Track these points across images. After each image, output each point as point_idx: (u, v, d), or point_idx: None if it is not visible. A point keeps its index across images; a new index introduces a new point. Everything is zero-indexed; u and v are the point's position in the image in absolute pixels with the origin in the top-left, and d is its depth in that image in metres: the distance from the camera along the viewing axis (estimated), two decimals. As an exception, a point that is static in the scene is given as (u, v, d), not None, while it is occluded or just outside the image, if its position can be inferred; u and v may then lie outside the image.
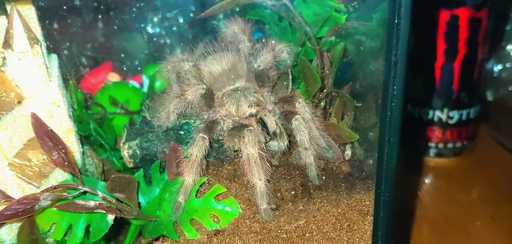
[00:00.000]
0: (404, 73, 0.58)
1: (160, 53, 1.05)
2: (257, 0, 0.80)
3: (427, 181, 1.18)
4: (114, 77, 1.10)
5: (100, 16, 1.03)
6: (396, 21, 0.56)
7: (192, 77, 0.77)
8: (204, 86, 0.76)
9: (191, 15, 1.04)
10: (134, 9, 1.03)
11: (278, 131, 0.75)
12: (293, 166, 0.81)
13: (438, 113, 1.24)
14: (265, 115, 0.76)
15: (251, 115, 0.77)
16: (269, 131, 0.75)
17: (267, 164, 0.71)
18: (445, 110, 1.23)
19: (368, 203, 0.72)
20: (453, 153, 1.27)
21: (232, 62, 0.83)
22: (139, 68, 1.12)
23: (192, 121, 0.80)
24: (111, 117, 0.98)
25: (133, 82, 1.10)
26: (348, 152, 0.83)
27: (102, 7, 1.01)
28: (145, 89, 1.08)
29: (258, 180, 0.69)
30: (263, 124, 0.76)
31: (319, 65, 0.80)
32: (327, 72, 0.80)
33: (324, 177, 0.79)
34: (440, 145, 1.26)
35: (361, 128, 0.81)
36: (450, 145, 1.26)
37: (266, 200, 0.70)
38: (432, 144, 1.27)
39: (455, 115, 1.24)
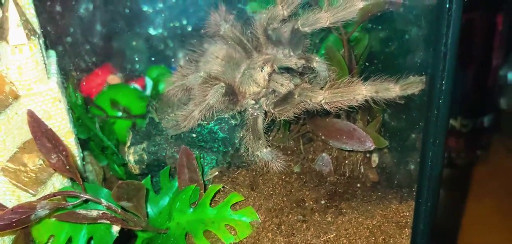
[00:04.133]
0: (454, 66, 0.52)
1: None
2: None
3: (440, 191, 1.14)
4: (114, 79, 1.04)
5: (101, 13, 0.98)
6: (447, 5, 0.50)
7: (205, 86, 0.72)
8: (222, 84, 0.69)
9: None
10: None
11: (303, 62, 0.70)
12: (315, 173, 0.75)
13: (451, 121, 1.19)
14: (282, 62, 0.71)
15: (269, 75, 0.72)
16: (297, 71, 0.71)
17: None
18: (459, 118, 1.20)
19: (407, 214, 0.66)
20: (467, 162, 1.23)
21: (224, 52, 0.78)
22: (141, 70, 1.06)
23: (206, 122, 0.73)
24: (112, 121, 0.92)
25: (135, 85, 1.04)
26: (375, 159, 0.77)
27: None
28: (148, 91, 1.02)
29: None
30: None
31: (346, 56, 0.74)
32: (354, 65, 0.74)
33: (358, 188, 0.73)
34: (453, 154, 1.23)
35: (390, 132, 0.75)
36: (463, 154, 1.23)
37: None
38: (445, 153, 1.24)
39: (468, 123, 1.21)
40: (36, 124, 0.61)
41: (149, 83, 1.04)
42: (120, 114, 0.94)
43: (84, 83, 1.01)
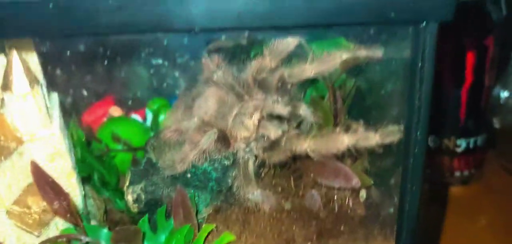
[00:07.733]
0: (428, 118, 0.56)
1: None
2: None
3: (434, 210, 1.16)
4: (116, 111, 1.07)
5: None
6: (419, 64, 0.54)
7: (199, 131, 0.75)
8: (215, 130, 0.73)
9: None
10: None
11: (290, 109, 0.72)
12: (305, 210, 0.77)
13: (445, 141, 1.22)
14: (270, 109, 0.73)
15: (258, 121, 0.74)
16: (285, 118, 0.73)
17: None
18: (452, 138, 1.22)
19: (389, 252, 0.69)
20: (461, 182, 1.26)
21: (217, 97, 0.79)
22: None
23: (200, 163, 0.76)
24: (113, 154, 0.94)
25: (136, 116, 1.07)
26: (363, 194, 0.80)
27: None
28: (148, 123, 1.05)
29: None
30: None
31: (331, 102, 0.78)
32: (340, 110, 0.78)
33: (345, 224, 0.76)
34: (447, 174, 1.25)
35: (376, 169, 0.78)
36: (457, 174, 1.25)
37: None
38: (439, 173, 1.25)
39: (462, 143, 1.23)
40: (39, 174, 0.65)
41: (149, 114, 1.07)
42: (120, 147, 0.96)
43: (86, 116, 1.05)
